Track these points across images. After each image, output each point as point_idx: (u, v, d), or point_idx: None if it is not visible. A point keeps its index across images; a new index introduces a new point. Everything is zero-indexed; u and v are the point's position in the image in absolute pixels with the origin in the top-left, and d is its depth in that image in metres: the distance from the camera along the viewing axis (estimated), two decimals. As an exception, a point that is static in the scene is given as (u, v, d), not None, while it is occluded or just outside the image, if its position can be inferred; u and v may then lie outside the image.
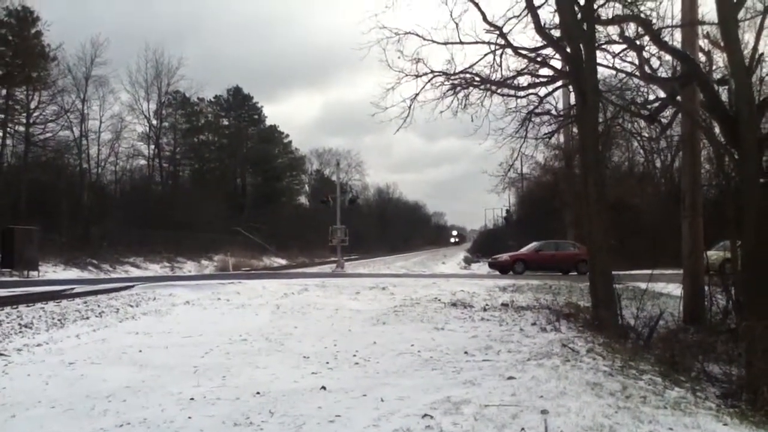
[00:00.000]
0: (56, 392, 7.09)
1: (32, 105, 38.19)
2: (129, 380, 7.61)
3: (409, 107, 14.47)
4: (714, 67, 14.22)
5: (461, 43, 14.08)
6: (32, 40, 37.63)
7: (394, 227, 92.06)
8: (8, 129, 38.02)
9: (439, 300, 15.71)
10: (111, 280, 24.73)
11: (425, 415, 5.60)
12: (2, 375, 8.05)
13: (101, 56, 42.48)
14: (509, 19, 13.60)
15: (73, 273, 30.40)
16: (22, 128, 38.46)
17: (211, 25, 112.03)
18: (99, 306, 14.45)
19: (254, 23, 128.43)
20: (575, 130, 17.46)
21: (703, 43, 14.03)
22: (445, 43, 14.16)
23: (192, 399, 6.59)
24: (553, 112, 15.92)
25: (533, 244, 30.52)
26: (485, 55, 14.09)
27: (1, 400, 6.76)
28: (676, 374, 7.77)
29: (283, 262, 50.61)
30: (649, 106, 14.49)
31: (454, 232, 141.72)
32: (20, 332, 11.27)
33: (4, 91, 37.22)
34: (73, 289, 18.67)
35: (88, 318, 12.99)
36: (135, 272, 34.59)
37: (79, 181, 42.87)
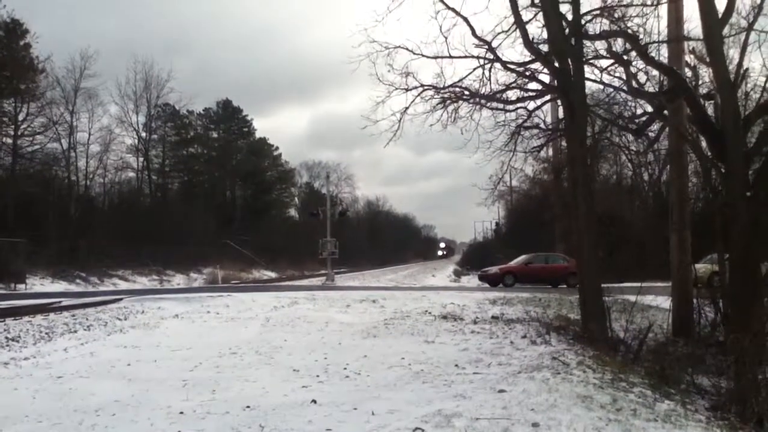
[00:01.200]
0: (44, 406, 7.03)
1: (20, 117, 38.06)
2: (117, 394, 7.55)
3: (399, 121, 14.51)
4: (700, 82, 14.40)
5: (450, 57, 14.16)
6: (21, 52, 37.52)
7: (384, 240, 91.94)
8: (-5, 141, 37.83)
9: (430, 313, 15.71)
10: (99, 293, 24.55)
11: (416, 428, 5.59)
12: (-11, 389, 7.97)
13: (90, 68, 42.32)
14: (498, 33, 13.71)
15: (61, 286, 30.19)
16: (9, 140, 38.25)
17: (201, 40, 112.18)
18: (87, 319, 14.35)
19: (245, 37, 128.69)
20: (564, 143, 17.57)
21: (689, 58, 14.23)
22: (435, 57, 14.24)
23: (181, 413, 6.55)
24: (542, 125, 16.06)
25: (523, 257, 30.59)
26: (474, 69, 14.20)
27: (-13, 415, 6.69)
28: (665, 387, 7.80)
29: (273, 274, 50.44)
30: (636, 120, 14.62)
31: (442, 245, 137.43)
32: (7, 346, 11.18)
33: (-9, 103, 37.09)
34: (60, 302, 18.54)
35: (76, 331, 12.90)
36: (123, 285, 34.40)
37: (67, 193, 42.64)
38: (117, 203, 49.41)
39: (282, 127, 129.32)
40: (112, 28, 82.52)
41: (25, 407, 7.00)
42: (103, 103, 45.66)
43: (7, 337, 11.87)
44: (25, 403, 7.25)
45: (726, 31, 11.94)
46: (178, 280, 40.47)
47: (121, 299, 18.82)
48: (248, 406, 6.73)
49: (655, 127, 15.30)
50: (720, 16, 11.37)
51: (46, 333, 12.55)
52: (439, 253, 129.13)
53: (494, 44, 13.66)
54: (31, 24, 38.35)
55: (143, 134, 52.13)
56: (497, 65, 14.04)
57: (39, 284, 29.33)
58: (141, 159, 52.28)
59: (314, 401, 6.91)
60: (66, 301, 18.68)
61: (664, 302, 14.61)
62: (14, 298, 21.23)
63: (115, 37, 78.99)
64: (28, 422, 6.40)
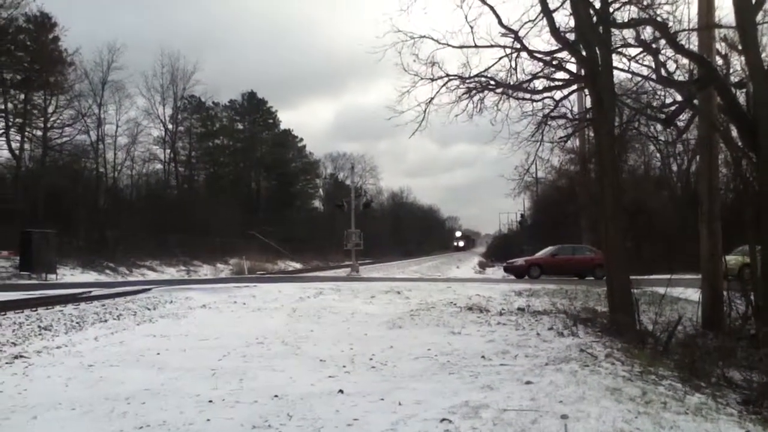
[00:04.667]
0: (76, 394, 7.14)
1: (50, 109, 38.74)
2: (147, 382, 7.64)
3: (424, 111, 14.45)
4: (731, 70, 14.14)
5: (476, 46, 14.05)
6: (50, 45, 38.07)
7: (407, 231, 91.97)
8: (26, 133, 38.47)
9: (455, 304, 15.67)
10: (128, 284, 24.91)
11: (443, 419, 5.59)
12: (23, 377, 8.12)
13: (118, 61, 42.99)
14: (525, 23, 13.58)
15: (90, 276, 30.70)
16: (39, 132, 38.93)
17: (227, 34, 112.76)
18: (117, 309, 14.56)
19: (270, 31, 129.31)
20: (591, 133, 17.35)
21: (720, 46, 13.99)
22: (461, 47, 14.15)
23: (210, 401, 6.61)
24: (569, 115, 15.88)
25: (549, 249, 30.38)
26: (500, 58, 14.07)
27: (21, 402, 6.81)
28: (696, 380, 7.69)
29: (298, 266, 50.77)
30: (665, 110, 14.39)
31: (458, 234, 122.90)
32: (39, 334, 11.38)
33: (22, 96, 37.71)
34: (90, 292, 18.86)
35: (106, 321, 13.10)
36: (151, 275, 34.85)
37: (96, 185, 43.29)
38: (144, 194, 50.08)
39: (307, 119, 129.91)
40: (140, 22, 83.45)
41: (58, 395, 7.12)
42: (130, 96, 46.38)
43: (39, 326, 12.09)
44: (58, 390, 7.37)
45: (759, 17, 11.71)
46: (205, 270, 40.92)
47: (150, 289, 19.08)
48: (276, 395, 6.78)
49: (685, 116, 15.05)
50: (754, 2, 11.13)
51: (77, 322, 12.75)
52: (455, 244, 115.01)
53: (521, 33, 13.55)
54: (60, 18, 38.88)
55: (170, 126, 52.85)
56: (524, 55, 13.92)
57: (69, 274, 29.86)
58: (168, 151, 52.98)
59: (341, 391, 6.93)
60: (96, 291, 18.99)
61: (694, 294, 14.41)
62: (45, 288, 21.64)
63: (143, 31, 79.91)
64: (62, 409, 6.51)
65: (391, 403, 6.31)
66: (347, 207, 36.10)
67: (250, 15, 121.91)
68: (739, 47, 12.49)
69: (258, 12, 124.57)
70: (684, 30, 13.45)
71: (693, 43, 13.84)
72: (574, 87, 15.33)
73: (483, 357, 8.91)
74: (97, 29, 68.39)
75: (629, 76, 14.61)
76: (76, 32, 45.61)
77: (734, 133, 13.30)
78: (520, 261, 30.58)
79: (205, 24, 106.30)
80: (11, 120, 37.52)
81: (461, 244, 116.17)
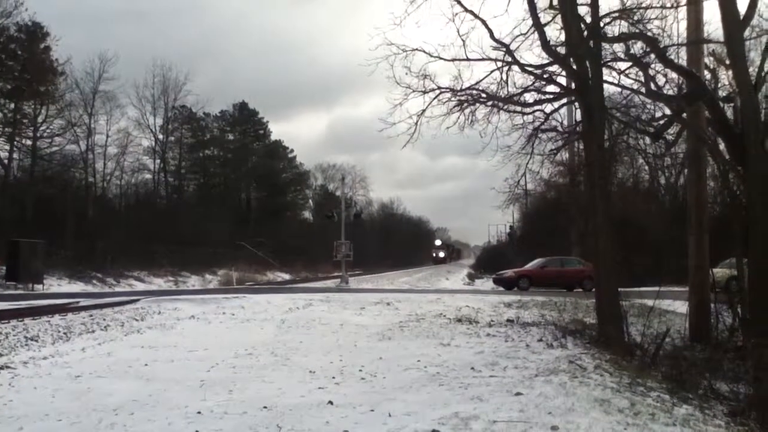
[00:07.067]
0: (63, 405, 7.08)
1: (39, 119, 38.59)
2: (135, 393, 7.60)
3: (416, 123, 14.49)
4: (719, 85, 14.27)
5: (468, 59, 14.13)
6: (41, 55, 37.96)
7: (397, 243, 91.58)
8: (15, 143, 38.27)
9: (444, 316, 15.69)
10: (115, 294, 24.76)
11: (433, 430, 5.58)
12: (9, 388, 8.04)
13: (109, 71, 42.94)
14: (516, 36, 13.68)
15: (78, 286, 30.46)
16: (29, 142, 38.76)
17: (221, 45, 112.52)
18: (104, 319, 14.47)
19: (264, 43, 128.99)
20: (581, 146, 17.45)
21: (708, 60, 14.11)
22: (452, 60, 14.22)
23: (199, 413, 6.57)
24: (559, 128, 15.98)
25: (538, 261, 30.47)
26: (492, 71, 14.15)
27: (8, 413, 6.75)
28: (683, 391, 7.73)
29: (287, 276, 50.56)
30: (654, 123, 14.52)
31: (438, 242, 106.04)
32: (26, 345, 11.29)
33: (12, 105, 37.55)
34: (78, 302, 18.73)
35: (93, 331, 13.01)
36: (139, 286, 34.63)
37: (85, 194, 43.06)
38: (133, 205, 49.84)
39: (299, 130, 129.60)
40: (132, 33, 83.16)
41: (44, 406, 7.05)
42: (121, 106, 46.30)
43: (26, 337, 11.99)
44: (45, 401, 7.30)
45: (747, 33, 11.86)
46: (194, 281, 40.68)
47: (138, 300, 18.96)
48: (265, 407, 6.75)
49: (673, 130, 15.19)
50: (741, 18, 11.28)
51: (64, 333, 12.66)
52: (435, 254, 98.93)
53: (512, 47, 13.64)
54: (52, 27, 38.77)
55: (160, 136, 52.74)
56: (515, 68, 14.01)
57: (56, 285, 29.61)
58: (158, 161, 52.87)
59: (331, 402, 6.92)
60: (83, 302, 18.85)
61: (681, 307, 14.48)
62: (32, 298, 21.47)
63: (135, 41, 79.57)
64: (48, 420, 6.45)
65: (381, 414, 6.30)
66: (337, 218, 36.11)
67: (244, 27, 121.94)
68: (727, 62, 12.64)
69: (252, 24, 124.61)
70: (673, 45, 13.63)
71: (682, 57, 14.02)
72: (565, 100, 15.45)
73: (472, 368, 8.92)
74: (89, 39, 68.06)
75: (619, 89, 14.76)
76: (68, 42, 45.69)
77: (722, 146, 13.42)
78: (509, 273, 30.63)
79: (198, 35, 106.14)
80: (0, 129, 37.32)
81: (441, 255, 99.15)
